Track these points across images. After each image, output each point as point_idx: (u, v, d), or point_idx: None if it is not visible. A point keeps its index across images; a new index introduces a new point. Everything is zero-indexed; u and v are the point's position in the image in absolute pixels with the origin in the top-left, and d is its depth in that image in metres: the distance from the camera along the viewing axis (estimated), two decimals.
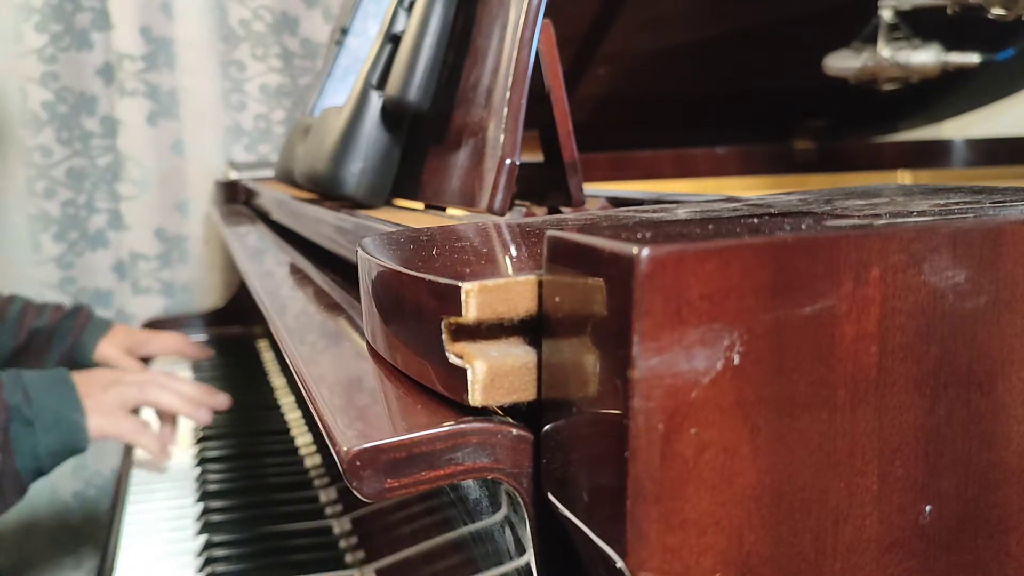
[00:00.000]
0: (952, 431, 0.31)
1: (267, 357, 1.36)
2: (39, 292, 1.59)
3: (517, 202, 0.66)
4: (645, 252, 0.26)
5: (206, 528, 0.87)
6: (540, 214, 0.66)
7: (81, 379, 0.94)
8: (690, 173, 1.29)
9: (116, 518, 0.95)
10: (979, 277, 0.31)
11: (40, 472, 0.87)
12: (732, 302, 0.27)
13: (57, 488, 1.58)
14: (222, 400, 1.02)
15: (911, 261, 0.30)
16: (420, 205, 0.74)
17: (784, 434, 0.29)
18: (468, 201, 0.61)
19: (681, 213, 0.40)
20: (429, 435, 0.32)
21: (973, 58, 0.91)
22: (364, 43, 1.01)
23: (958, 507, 0.32)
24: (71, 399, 0.90)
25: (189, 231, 1.64)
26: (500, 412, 0.34)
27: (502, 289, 0.32)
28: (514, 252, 0.40)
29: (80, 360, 1.28)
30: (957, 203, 0.37)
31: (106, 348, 1.29)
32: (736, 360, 0.27)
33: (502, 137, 0.59)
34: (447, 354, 0.33)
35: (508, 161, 0.58)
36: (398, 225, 0.58)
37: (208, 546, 0.83)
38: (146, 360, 1.33)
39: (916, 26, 0.94)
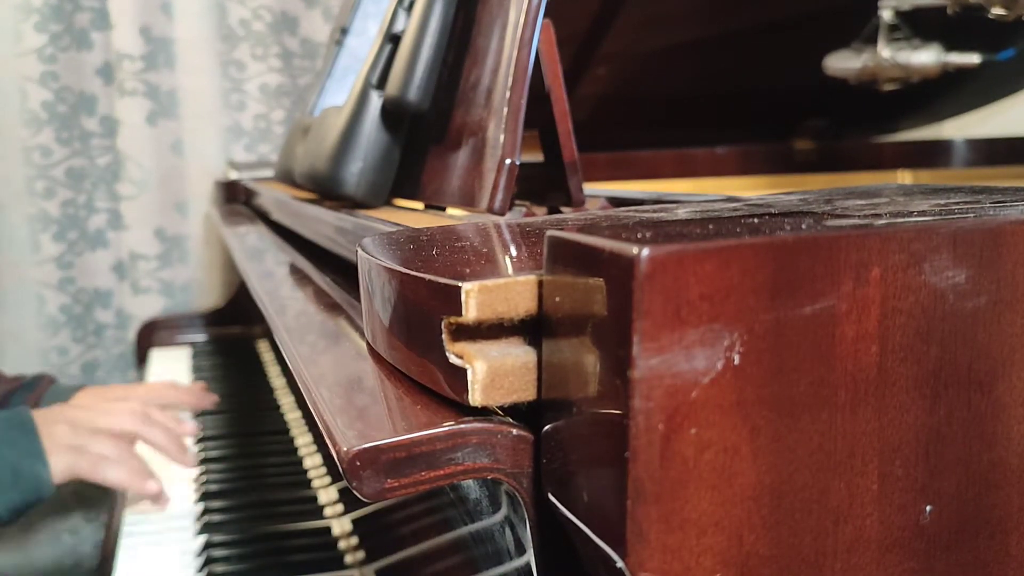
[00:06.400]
0: (952, 431, 0.31)
1: (267, 357, 1.36)
2: (39, 292, 1.59)
3: (517, 202, 0.66)
4: (645, 252, 0.26)
5: (206, 528, 0.87)
6: (540, 214, 0.66)
7: (45, 418, 0.86)
8: (690, 173, 1.29)
9: (116, 518, 0.95)
10: (979, 277, 0.31)
11: (1, 524, 0.82)
12: (732, 302, 0.27)
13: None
14: (191, 428, 0.96)
15: (911, 261, 0.30)
16: (420, 205, 0.74)
17: (784, 434, 0.28)
18: (468, 201, 0.61)
19: (681, 213, 0.40)
20: (429, 435, 0.32)
21: (973, 58, 0.91)
22: (364, 43, 1.01)
23: (958, 507, 0.32)
24: (32, 447, 0.84)
25: (189, 231, 1.64)
26: (500, 412, 0.34)
27: (502, 289, 0.32)
28: (514, 252, 0.40)
29: None
30: (957, 203, 0.37)
31: None
32: (736, 360, 0.27)
33: (502, 137, 0.59)
34: (447, 354, 0.33)
35: (508, 161, 0.58)
36: (398, 225, 0.58)
37: (208, 546, 0.83)
38: None
39: (916, 26, 0.94)
